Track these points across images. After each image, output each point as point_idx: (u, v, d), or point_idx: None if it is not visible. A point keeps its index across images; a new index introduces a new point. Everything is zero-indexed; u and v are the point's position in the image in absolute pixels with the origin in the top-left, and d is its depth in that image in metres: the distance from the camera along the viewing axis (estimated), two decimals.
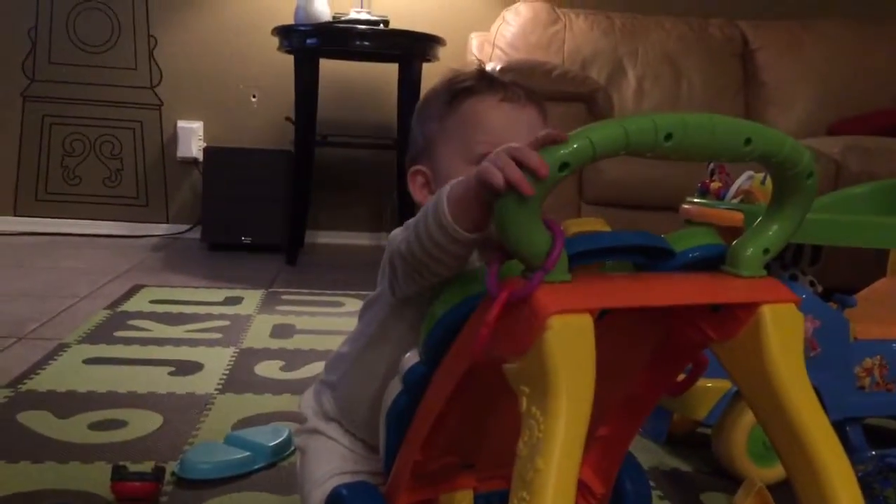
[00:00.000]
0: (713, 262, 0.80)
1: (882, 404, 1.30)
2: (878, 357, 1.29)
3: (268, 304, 2.25)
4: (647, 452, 1.33)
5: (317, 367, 1.72)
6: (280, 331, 1.99)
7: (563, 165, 0.63)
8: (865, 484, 1.14)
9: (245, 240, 3.07)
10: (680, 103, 3.05)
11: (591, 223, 0.79)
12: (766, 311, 0.75)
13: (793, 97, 3.10)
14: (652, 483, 1.22)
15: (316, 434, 1.02)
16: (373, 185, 3.40)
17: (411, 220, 0.84)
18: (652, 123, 0.66)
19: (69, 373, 1.60)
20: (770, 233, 0.78)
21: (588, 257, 0.74)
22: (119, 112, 3.31)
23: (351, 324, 2.13)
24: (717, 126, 0.69)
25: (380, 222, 3.43)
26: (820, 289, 1.33)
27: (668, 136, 0.66)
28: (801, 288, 1.26)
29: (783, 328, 0.75)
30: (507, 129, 0.91)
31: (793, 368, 0.75)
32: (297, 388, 1.58)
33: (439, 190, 0.76)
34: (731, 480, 1.23)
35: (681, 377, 0.90)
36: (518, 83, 0.95)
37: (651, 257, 0.79)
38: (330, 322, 2.11)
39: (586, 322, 0.66)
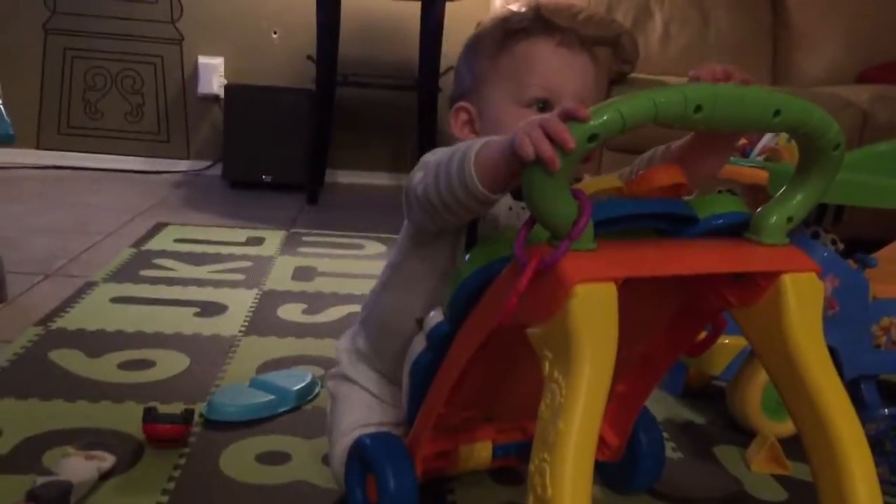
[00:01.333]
0: (736, 229, 0.81)
1: None
2: None
3: (289, 245, 2.28)
4: (662, 404, 1.36)
5: (338, 311, 1.75)
6: (302, 273, 2.02)
7: (593, 137, 0.64)
8: (877, 441, 1.16)
9: (266, 178, 3.08)
10: (707, 47, 2.99)
11: (608, 181, 0.80)
12: (788, 279, 0.76)
13: (822, 42, 3.04)
14: (666, 435, 1.25)
15: (346, 381, 1.04)
16: (393, 125, 3.38)
17: (430, 158, 0.85)
18: (682, 95, 0.66)
19: (97, 311, 1.63)
20: (794, 201, 0.79)
21: (612, 224, 0.75)
22: (140, 46, 3.29)
23: (371, 266, 2.17)
24: (746, 98, 0.70)
25: (400, 162, 3.42)
26: (841, 247, 1.33)
27: (698, 108, 0.67)
28: (823, 246, 1.26)
29: (803, 297, 0.76)
30: (560, 74, 0.91)
31: (811, 336, 0.76)
32: (318, 331, 1.61)
33: (466, 147, 0.77)
34: (744, 435, 1.25)
35: (701, 335, 0.91)
36: (573, 28, 0.95)
37: (675, 223, 0.79)
38: (351, 265, 2.13)
39: (610, 290, 0.68)
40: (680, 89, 0.67)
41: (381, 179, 3.44)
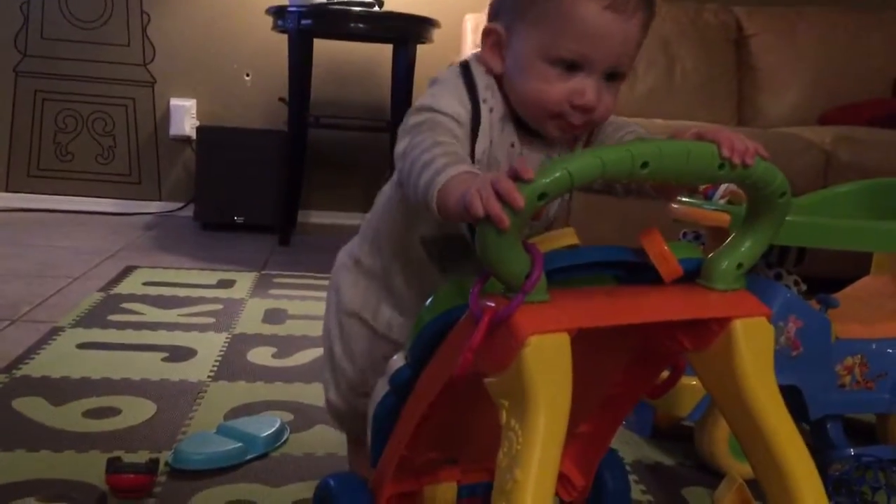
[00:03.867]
0: (690, 274, 0.82)
1: (861, 402, 1.33)
2: (859, 356, 1.31)
3: (260, 288, 2.27)
4: (630, 445, 1.36)
5: (308, 354, 1.74)
6: (272, 316, 2.01)
7: (542, 196, 0.66)
8: (843, 482, 1.17)
9: (238, 219, 3.08)
10: (673, 88, 3.05)
11: (564, 237, 0.81)
12: (738, 325, 0.78)
13: (786, 84, 3.11)
14: (635, 477, 1.25)
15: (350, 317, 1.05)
16: (366, 166, 3.40)
17: (411, 123, 0.85)
18: (628, 153, 0.69)
19: (63, 358, 1.61)
20: (744, 248, 0.81)
21: (566, 273, 0.76)
22: (112, 89, 3.29)
23: None
24: (692, 152, 0.72)
25: (372, 203, 3.43)
26: (804, 287, 1.35)
27: (645, 164, 0.69)
28: (785, 288, 1.28)
29: (754, 341, 0.78)
30: (600, 40, 0.84)
31: (762, 380, 0.78)
32: (288, 375, 1.61)
33: (433, 175, 0.77)
34: (713, 475, 1.26)
35: (665, 374, 0.92)
36: None
37: (630, 271, 0.81)
38: (322, 307, 2.11)
39: (563, 340, 0.70)
40: (626, 147, 0.70)
41: (354, 220, 3.44)
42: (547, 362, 0.68)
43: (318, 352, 1.75)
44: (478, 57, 0.93)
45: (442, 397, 0.82)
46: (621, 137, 0.95)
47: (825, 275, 1.73)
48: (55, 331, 1.77)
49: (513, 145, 0.92)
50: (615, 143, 0.94)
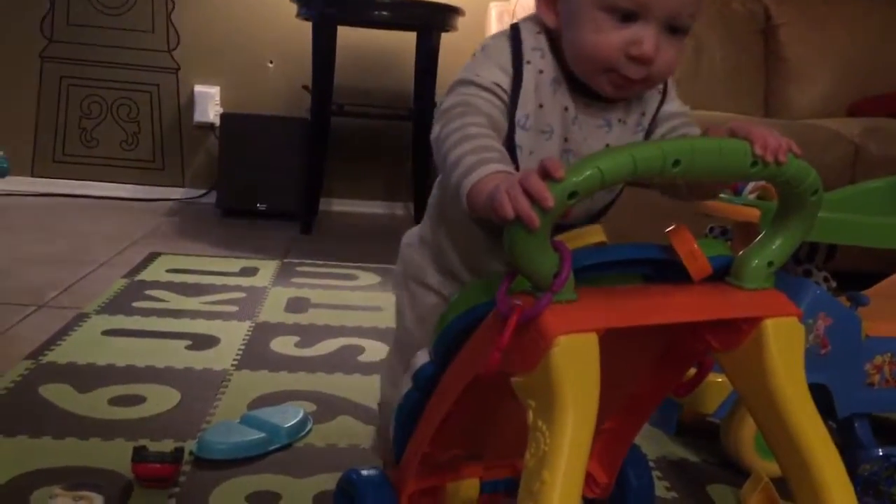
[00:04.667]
0: (720, 272, 0.81)
1: (891, 400, 1.31)
2: (889, 354, 1.29)
3: (283, 276, 2.27)
4: (655, 442, 1.35)
5: (330, 344, 1.74)
6: (295, 304, 2.01)
7: (572, 194, 0.65)
8: (871, 483, 1.16)
9: (260, 206, 3.08)
10: (700, 78, 3.01)
11: (592, 234, 0.80)
12: (769, 324, 0.77)
13: (814, 75, 3.06)
14: (658, 474, 1.25)
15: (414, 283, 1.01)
16: (388, 155, 3.39)
17: (445, 106, 0.83)
18: (660, 151, 0.67)
19: (89, 345, 1.63)
20: (774, 246, 0.79)
21: (594, 272, 0.75)
22: (136, 75, 3.30)
23: (364, 298, 2.17)
24: (724, 149, 0.71)
25: (394, 192, 3.43)
26: (834, 284, 1.34)
27: (677, 162, 0.68)
28: (815, 285, 1.26)
29: (784, 342, 0.77)
30: None
31: (793, 381, 0.77)
32: (311, 365, 1.61)
33: (464, 171, 0.76)
34: (738, 473, 1.25)
35: (692, 372, 0.92)
36: None
37: (659, 268, 0.80)
38: (344, 296, 2.13)
39: (591, 341, 0.69)
40: (658, 145, 0.68)
41: (375, 208, 3.45)
42: (575, 363, 0.67)
43: (339, 342, 1.76)
44: (532, 17, 0.89)
45: (466, 395, 0.82)
46: (676, 128, 0.91)
47: (855, 270, 1.71)
48: (81, 317, 1.78)
49: (567, 109, 0.87)
50: (676, 135, 0.91)
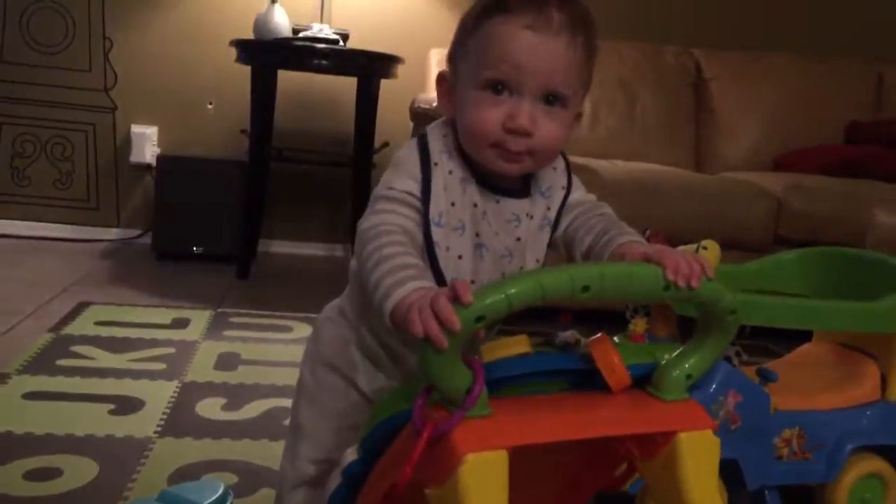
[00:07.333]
0: (641, 379, 0.84)
1: (798, 472, 1.35)
2: (797, 428, 1.34)
3: (215, 328, 2.25)
4: None
5: (259, 406, 1.73)
6: (225, 361, 2.00)
7: (479, 318, 0.67)
8: None
9: (196, 250, 3.05)
10: (633, 130, 3.10)
11: (517, 344, 0.82)
12: (683, 438, 0.80)
13: (742, 128, 3.17)
14: None
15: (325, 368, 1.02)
16: (328, 197, 3.40)
17: (365, 219, 0.86)
18: (568, 277, 0.70)
19: (8, 410, 1.59)
20: (693, 360, 0.82)
21: (516, 380, 0.78)
22: (72, 114, 3.26)
23: (297, 353, 2.14)
24: (634, 275, 0.73)
25: (334, 233, 3.42)
26: (745, 358, 1.38)
27: (586, 288, 0.70)
28: (725, 363, 1.30)
29: (698, 454, 0.80)
30: (524, 60, 0.84)
31: (705, 493, 0.80)
32: (237, 430, 1.60)
33: (383, 294, 0.77)
34: None
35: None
36: (570, 4, 0.86)
37: (582, 375, 0.82)
38: (276, 352, 2.12)
39: (501, 458, 0.71)
40: (566, 271, 0.70)
41: (315, 250, 3.44)
42: (483, 480, 0.69)
43: (268, 403, 1.75)
44: (442, 120, 0.94)
45: (388, 499, 0.83)
46: (587, 221, 0.95)
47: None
48: (1, 378, 1.74)
49: (476, 205, 0.91)
50: (584, 228, 0.94)
